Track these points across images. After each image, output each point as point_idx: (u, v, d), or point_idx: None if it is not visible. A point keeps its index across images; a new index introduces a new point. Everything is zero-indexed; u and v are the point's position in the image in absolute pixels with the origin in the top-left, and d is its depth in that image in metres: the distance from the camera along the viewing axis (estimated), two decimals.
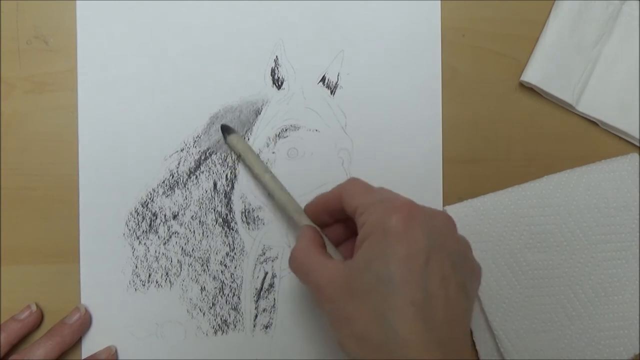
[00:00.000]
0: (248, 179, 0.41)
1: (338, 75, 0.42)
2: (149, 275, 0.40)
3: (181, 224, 0.41)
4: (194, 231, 0.41)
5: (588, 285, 0.41)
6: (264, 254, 0.41)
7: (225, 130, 0.40)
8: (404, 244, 0.29)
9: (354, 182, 0.34)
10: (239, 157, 0.40)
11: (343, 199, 0.34)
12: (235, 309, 0.41)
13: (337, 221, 0.36)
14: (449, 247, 0.31)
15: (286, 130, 0.41)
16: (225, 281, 0.41)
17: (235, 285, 0.41)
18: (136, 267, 0.40)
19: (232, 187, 0.41)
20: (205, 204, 0.41)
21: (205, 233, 0.41)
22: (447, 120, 0.42)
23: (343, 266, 0.31)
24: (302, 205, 0.37)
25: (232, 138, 0.40)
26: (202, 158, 0.41)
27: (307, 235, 0.34)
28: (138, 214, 0.40)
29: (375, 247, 0.30)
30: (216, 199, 0.41)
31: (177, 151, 0.41)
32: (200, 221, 0.41)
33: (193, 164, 0.41)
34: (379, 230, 0.30)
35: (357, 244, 0.31)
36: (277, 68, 0.41)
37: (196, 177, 0.41)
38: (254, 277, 0.41)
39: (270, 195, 0.40)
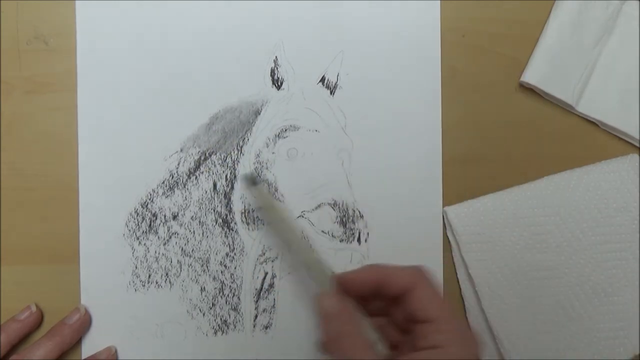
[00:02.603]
0: None
1: (338, 76, 0.42)
2: (149, 276, 0.40)
3: (181, 225, 0.41)
4: (193, 232, 0.41)
5: (588, 285, 0.41)
6: (264, 254, 0.41)
7: (251, 181, 0.38)
8: None
9: (425, 285, 0.32)
10: (259, 209, 0.39)
11: (413, 297, 0.31)
12: (235, 309, 0.41)
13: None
14: None
15: (286, 130, 0.41)
16: (225, 281, 0.41)
17: (235, 285, 0.41)
18: (136, 267, 0.40)
19: (232, 188, 0.41)
20: (205, 204, 0.41)
21: (205, 233, 0.41)
22: (447, 120, 0.42)
23: None
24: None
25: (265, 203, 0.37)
26: (202, 158, 0.41)
27: (343, 319, 0.31)
28: (138, 214, 0.40)
29: None
30: (216, 199, 0.41)
31: (177, 151, 0.41)
32: (200, 222, 0.41)
33: (193, 164, 0.41)
34: None
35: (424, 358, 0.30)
36: (277, 68, 0.41)
37: (196, 177, 0.41)
38: (254, 278, 0.41)
39: (297, 259, 0.39)
